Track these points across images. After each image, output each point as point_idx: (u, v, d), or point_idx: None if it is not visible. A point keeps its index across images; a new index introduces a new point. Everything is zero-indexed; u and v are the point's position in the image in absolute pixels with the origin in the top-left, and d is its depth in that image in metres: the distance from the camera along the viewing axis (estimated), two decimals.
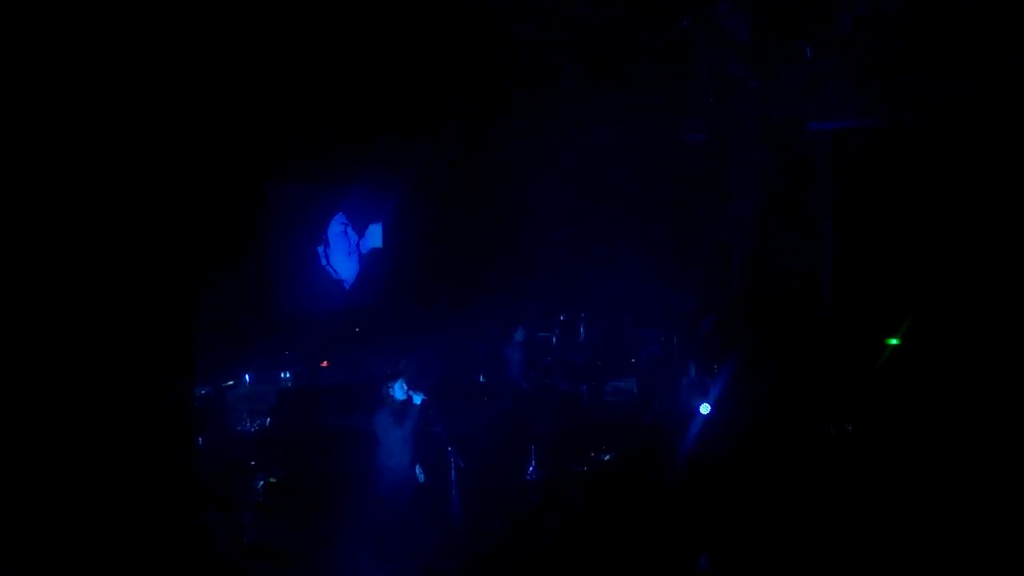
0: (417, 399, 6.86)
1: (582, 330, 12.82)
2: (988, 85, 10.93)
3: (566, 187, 14.01)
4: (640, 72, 11.79)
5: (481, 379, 11.02)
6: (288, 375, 10.71)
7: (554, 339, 12.64)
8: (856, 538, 6.87)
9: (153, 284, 4.55)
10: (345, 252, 12.27)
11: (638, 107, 13.03)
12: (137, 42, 4.29)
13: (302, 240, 11.58)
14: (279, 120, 10.15)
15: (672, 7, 9.74)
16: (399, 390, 6.92)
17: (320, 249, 11.86)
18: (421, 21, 9.16)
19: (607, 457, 8.92)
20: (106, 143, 4.22)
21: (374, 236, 12.87)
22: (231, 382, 9.64)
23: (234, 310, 9.64)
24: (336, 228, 12.15)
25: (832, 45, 10.64)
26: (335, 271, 12.07)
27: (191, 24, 4.64)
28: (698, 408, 9.33)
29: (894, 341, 11.32)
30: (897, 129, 12.67)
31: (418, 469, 7.00)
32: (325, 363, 11.14)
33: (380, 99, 11.13)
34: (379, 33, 9.28)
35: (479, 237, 13.58)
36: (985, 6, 9.00)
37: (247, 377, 10.40)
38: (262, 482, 8.00)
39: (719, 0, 9.86)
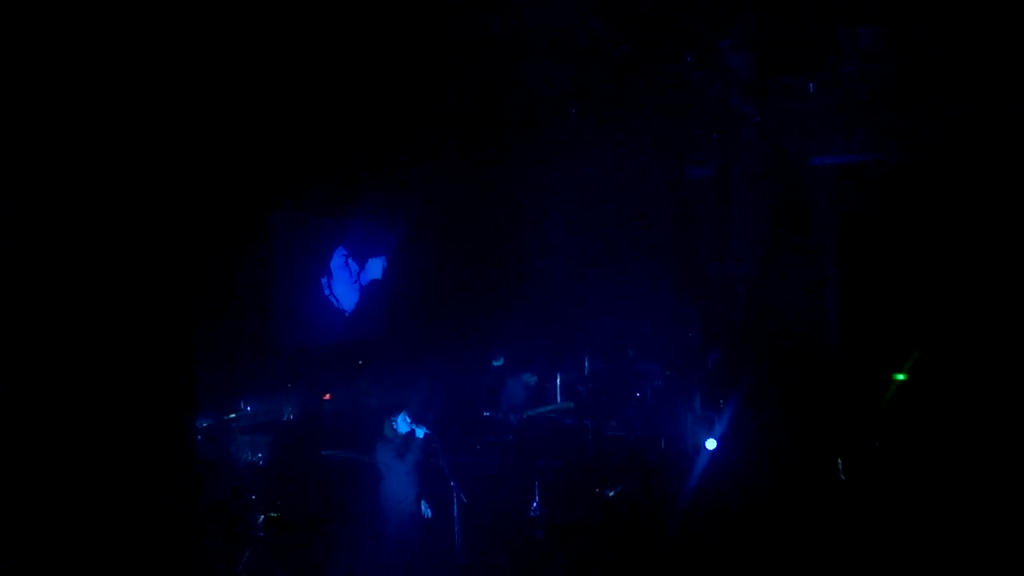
0: (420, 432, 6.80)
1: (586, 364, 12.75)
2: (991, 119, 10.99)
3: (570, 221, 14.03)
4: (643, 107, 11.87)
5: (485, 413, 10.93)
6: (290, 408, 10.63)
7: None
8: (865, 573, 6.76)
9: (155, 314, 4.52)
10: (348, 282, 12.29)
11: (641, 142, 13.10)
12: (139, 68, 4.32)
13: (304, 271, 11.58)
14: (284, 153, 10.20)
15: (675, 43, 9.83)
16: (402, 423, 6.87)
17: (324, 280, 11.87)
18: (425, 57, 9.25)
19: (612, 493, 8.81)
20: (109, 171, 4.23)
21: (374, 268, 12.88)
22: (233, 414, 9.57)
23: (236, 341, 9.60)
24: (338, 260, 12.18)
25: (834, 80, 10.72)
26: (337, 300, 12.07)
27: (194, 51, 4.68)
28: (704, 443, 9.26)
29: (901, 377, 11.24)
30: (900, 163, 12.71)
31: (424, 505, 6.92)
32: (327, 396, 11.07)
33: (382, 132, 11.20)
34: (383, 68, 9.37)
35: (481, 270, 13.57)
36: (988, 40, 9.07)
37: (248, 409, 10.34)
38: (262, 517, 7.89)
39: (721, 36, 9.96)
